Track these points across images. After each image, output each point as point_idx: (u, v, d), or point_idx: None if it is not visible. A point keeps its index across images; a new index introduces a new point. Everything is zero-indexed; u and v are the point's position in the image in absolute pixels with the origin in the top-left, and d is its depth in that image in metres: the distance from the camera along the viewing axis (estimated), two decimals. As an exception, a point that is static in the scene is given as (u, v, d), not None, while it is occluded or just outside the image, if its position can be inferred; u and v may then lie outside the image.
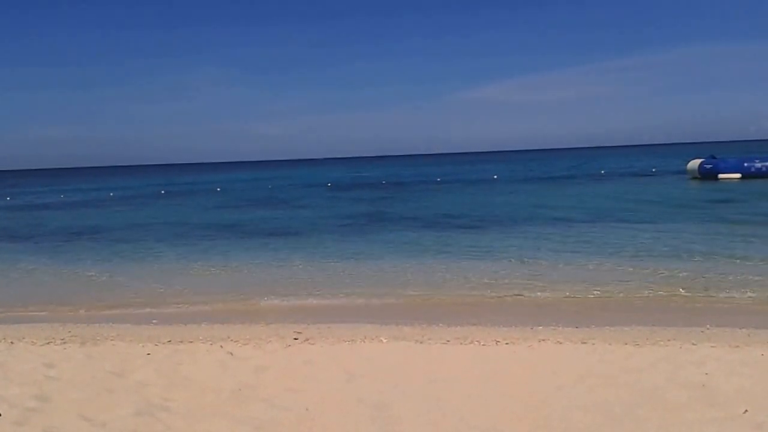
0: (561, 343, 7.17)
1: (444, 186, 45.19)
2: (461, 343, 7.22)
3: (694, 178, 37.06)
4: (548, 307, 9.71)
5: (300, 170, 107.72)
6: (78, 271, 14.58)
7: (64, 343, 7.66)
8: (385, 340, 7.48)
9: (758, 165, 34.93)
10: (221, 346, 7.28)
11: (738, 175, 34.51)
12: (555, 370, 6.03)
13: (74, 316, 9.87)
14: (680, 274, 11.36)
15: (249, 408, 5.20)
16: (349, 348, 7.15)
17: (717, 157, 38.65)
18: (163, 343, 7.53)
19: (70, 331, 8.39)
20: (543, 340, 7.32)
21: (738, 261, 12.32)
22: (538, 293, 10.45)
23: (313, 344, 7.35)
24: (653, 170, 51.51)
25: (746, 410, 4.84)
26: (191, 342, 7.60)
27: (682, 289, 10.34)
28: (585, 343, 7.15)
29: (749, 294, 9.85)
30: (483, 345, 7.12)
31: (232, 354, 6.94)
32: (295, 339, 7.61)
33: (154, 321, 9.31)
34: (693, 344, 6.94)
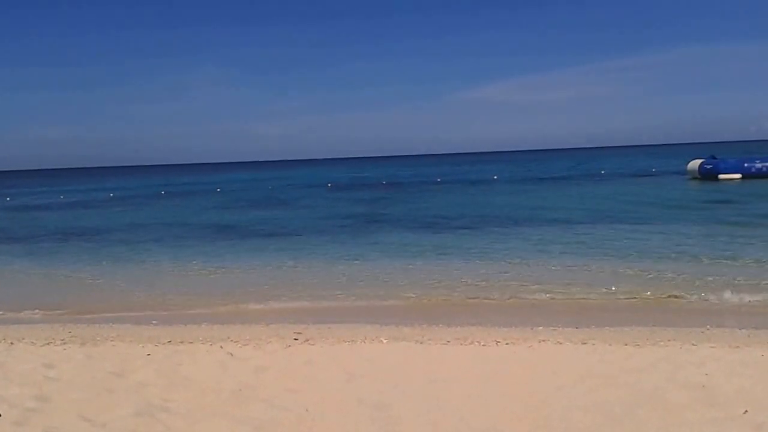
0: (561, 343, 7.17)
1: (444, 186, 45.19)
2: (461, 344, 7.22)
3: (695, 178, 37.06)
4: (548, 307, 9.71)
5: (300, 170, 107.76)
6: (77, 273, 14.59)
7: (64, 343, 7.66)
8: (385, 341, 7.49)
9: (759, 165, 34.91)
10: (221, 347, 7.28)
11: (738, 176, 34.48)
12: (555, 370, 6.03)
13: (74, 317, 9.87)
14: (680, 275, 11.36)
15: (249, 408, 5.20)
16: (349, 348, 7.15)
17: (717, 157, 38.62)
18: (163, 344, 7.53)
19: (70, 332, 8.39)
20: (543, 340, 7.32)
21: (738, 262, 12.33)
22: (538, 294, 10.44)
23: (313, 345, 7.35)
24: (653, 170, 51.52)
25: (746, 410, 4.84)
26: (191, 342, 7.60)
27: (682, 290, 10.34)
28: (585, 343, 7.15)
29: (749, 295, 9.85)
30: (483, 345, 7.12)
31: (232, 354, 6.94)
32: (295, 339, 7.61)
33: (154, 321, 9.32)
34: (693, 345, 6.95)
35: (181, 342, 7.64)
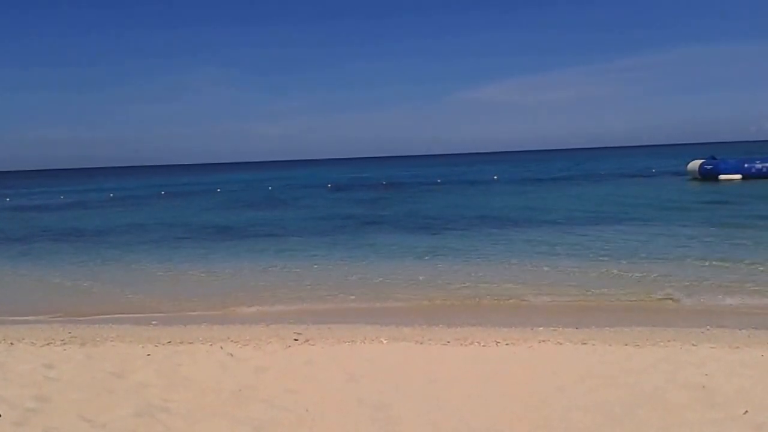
0: (561, 343, 7.17)
1: (444, 187, 45.18)
2: (461, 344, 7.22)
3: (695, 179, 37.05)
4: (548, 308, 9.72)
5: (300, 171, 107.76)
6: (76, 273, 14.58)
7: (64, 344, 7.65)
8: (385, 341, 7.48)
9: (759, 166, 34.86)
10: (221, 347, 7.28)
11: (738, 176, 34.45)
12: (555, 370, 6.03)
13: (74, 317, 9.86)
14: (681, 276, 11.36)
15: (249, 409, 5.20)
16: (349, 349, 7.15)
17: (717, 157, 38.57)
18: (163, 344, 7.53)
19: (70, 332, 8.38)
20: (543, 340, 7.32)
21: (738, 263, 12.32)
22: (538, 294, 10.44)
23: (313, 345, 7.35)
24: (653, 171, 51.51)
25: (746, 411, 4.84)
26: (191, 343, 7.60)
27: (682, 290, 10.34)
28: (585, 343, 7.15)
29: (749, 295, 9.85)
30: (483, 346, 7.12)
31: (232, 355, 6.94)
32: (295, 340, 7.61)
33: (153, 322, 9.31)
34: (693, 345, 6.95)
35: (181, 342, 7.64)
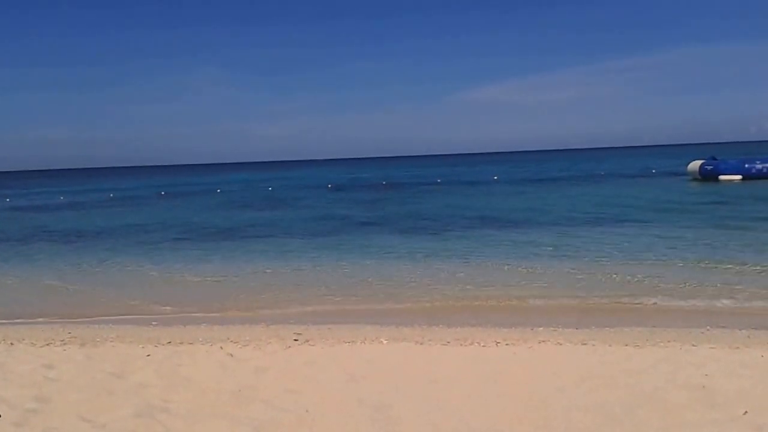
0: (561, 344, 7.17)
1: (444, 187, 45.20)
2: (461, 344, 7.21)
3: (695, 179, 37.03)
4: (548, 308, 9.71)
5: (300, 171, 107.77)
6: (75, 274, 14.58)
7: (64, 344, 7.65)
8: (385, 342, 7.48)
9: (759, 166, 34.84)
10: (221, 348, 7.28)
11: (739, 177, 34.43)
12: (555, 371, 6.03)
13: (74, 318, 9.85)
14: (681, 277, 11.36)
15: (249, 409, 5.20)
16: (349, 349, 7.14)
17: (718, 158, 38.56)
18: (163, 345, 7.53)
19: (69, 333, 8.38)
20: (543, 341, 7.32)
21: (738, 264, 12.32)
22: (538, 295, 10.45)
23: (313, 345, 7.35)
24: (653, 171, 51.53)
25: (746, 411, 4.84)
26: (191, 343, 7.59)
27: (682, 291, 10.35)
28: (585, 344, 7.15)
29: (749, 296, 9.85)
30: (483, 346, 7.12)
31: (232, 355, 6.94)
32: (295, 340, 7.61)
33: (153, 322, 9.31)
34: (693, 345, 6.95)
35: (181, 343, 7.63)
